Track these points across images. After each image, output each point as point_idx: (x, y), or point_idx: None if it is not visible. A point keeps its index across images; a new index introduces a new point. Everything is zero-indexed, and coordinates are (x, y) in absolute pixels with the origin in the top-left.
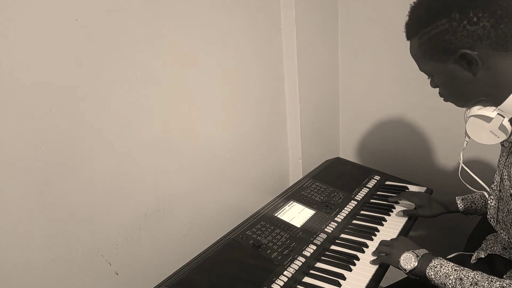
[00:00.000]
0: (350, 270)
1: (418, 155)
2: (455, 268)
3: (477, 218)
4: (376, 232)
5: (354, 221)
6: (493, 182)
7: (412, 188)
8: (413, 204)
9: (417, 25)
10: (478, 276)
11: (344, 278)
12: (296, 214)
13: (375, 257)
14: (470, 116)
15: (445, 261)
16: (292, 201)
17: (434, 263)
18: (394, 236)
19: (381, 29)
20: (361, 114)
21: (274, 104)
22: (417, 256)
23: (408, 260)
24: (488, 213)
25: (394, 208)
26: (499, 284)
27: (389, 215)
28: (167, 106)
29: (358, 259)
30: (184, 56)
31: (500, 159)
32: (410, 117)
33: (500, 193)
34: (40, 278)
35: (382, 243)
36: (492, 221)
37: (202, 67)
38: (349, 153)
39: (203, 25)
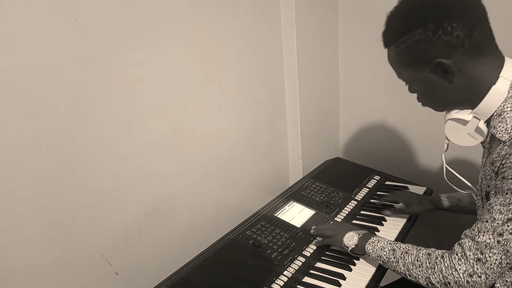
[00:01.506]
0: (350, 270)
1: (418, 155)
2: (390, 242)
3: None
4: (376, 232)
5: (354, 221)
6: (477, 182)
7: (412, 188)
8: (402, 204)
9: (394, 34)
10: (408, 246)
11: (344, 278)
12: (296, 214)
13: (320, 240)
14: (448, 120)
15: (383, 238)
16: (292, 201)
17: (373, 239)
18: (394, 236)
19: (381, 29)
20: (361, 114)
21: (274, 104)
22: (359, 234)
23: (350, 238)
24: (478, 213)
25: (394, 208)
26: (425, 251)
27: (389, 215)
28: (167, 106)
29: (358, 259)
30: (184, 56)
31: (482, 160)
32: (410, 117)
33: (482, 193)
34: (40, 278)
35: (327, 227)
36: None
37: (202, 67)
38: (349, 153)
39: (203, 25)
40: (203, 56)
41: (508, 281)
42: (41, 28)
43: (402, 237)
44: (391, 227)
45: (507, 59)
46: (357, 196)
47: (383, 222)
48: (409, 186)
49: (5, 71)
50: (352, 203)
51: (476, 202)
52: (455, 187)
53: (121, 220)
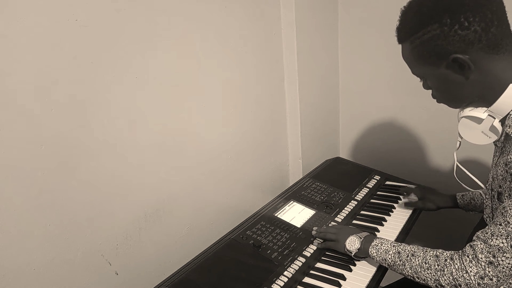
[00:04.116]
0: (350, 270)
1: (418, 155)
2: (394, 244)
3: (477, 219)
4: (376, 233)
5: (354, 221)
6: (487, 181)
7: None
8: (417, 198)
9: (409, 30)
10: (414, 248)
11: (344, 278)
12: (296, 214)
13: (322, 242)
14: (462, 117)
15: (385, 239)
16: (292, 201)
17: (376, 242)
18: (395, 236)
19: (381, 29)
20: (361, 114)
21: (274, 104)
22: (360, 238)
23: (353, 243)
24: (484, 212)
25: (394, 208)
26: (433, 253)
27: (389, 215)
28: (167, 106)
29: (358, 259)
30: (184, 56)
31: (494, 159)
32: (410, 117)
33: (492, 192)
34: (40, 278)
35: (329, 230)
36: (488, 220)
37: (202, 67)
38: (349, 153)
39: (203, 25)
40: (203, 56)
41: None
42: (41, 28)
43: (402, 237)
44: (392, 227)
45: None
46: (357, 196)
47: (383, 222)
48: (409, 186)
49: (5, 71)
50: (352, 203)
51: (485, 201)
52: (464, 186)
53: (121, 220)
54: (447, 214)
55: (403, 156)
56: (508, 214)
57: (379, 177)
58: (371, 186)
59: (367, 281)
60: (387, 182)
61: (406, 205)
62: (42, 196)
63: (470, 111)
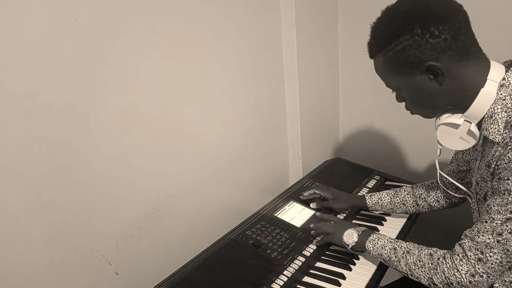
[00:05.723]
0: (350, 269)
1: (418, 155)
2: (390, 240)
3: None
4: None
5: (354, 221)
6: (472, 186)
7: None
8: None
9: (381, 43)
10: (410, 246)
11: (344, 277)
12: (296, 214)
13: (320, 239)
14: (439, 125)
15: (382, 235)
16: (292, 201)
17: (373, 237)
18: (394, 235)
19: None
20: (361, 114)
21: (274, 104)
22: (358, 232)
23: (350, 236)
24: (473, 216)
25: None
26: (427, 251)
27: (389, 215)
28: (167, 106)
29: (358, 258)
30: (184, 57)
31: (475, 163)
32: (410, 118)
33: (478, 196)
34: (40, 278)
35: (326, 224)
36: None
37: (202, 67)
38: (349, 153)
39: (204, 26)
40: (204, 56)
41: (507, 280)
42: (41, 28)
43: (402, 236)
44: (391, 227)
45: (492, 62)
46: None
47: (383, 222)
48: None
49: (5, 71)
50: None
51: (471, 206)
52: (449, 191)
53: (121, 220)
54: (446, 214)
55: (403, 156)
56: (492, 211)
57: (379, 177)
58: (371, 186)
59: (366, 280)
60: (387, 182)
61: (317, 205)
62: (42, 196)
63: (446, 118)
